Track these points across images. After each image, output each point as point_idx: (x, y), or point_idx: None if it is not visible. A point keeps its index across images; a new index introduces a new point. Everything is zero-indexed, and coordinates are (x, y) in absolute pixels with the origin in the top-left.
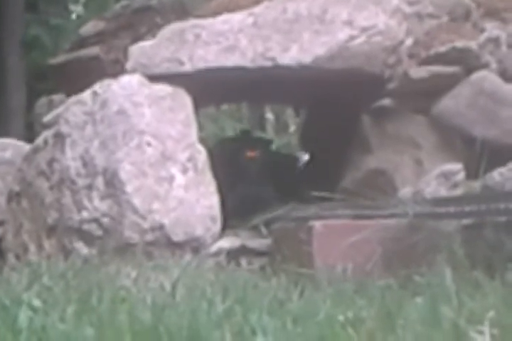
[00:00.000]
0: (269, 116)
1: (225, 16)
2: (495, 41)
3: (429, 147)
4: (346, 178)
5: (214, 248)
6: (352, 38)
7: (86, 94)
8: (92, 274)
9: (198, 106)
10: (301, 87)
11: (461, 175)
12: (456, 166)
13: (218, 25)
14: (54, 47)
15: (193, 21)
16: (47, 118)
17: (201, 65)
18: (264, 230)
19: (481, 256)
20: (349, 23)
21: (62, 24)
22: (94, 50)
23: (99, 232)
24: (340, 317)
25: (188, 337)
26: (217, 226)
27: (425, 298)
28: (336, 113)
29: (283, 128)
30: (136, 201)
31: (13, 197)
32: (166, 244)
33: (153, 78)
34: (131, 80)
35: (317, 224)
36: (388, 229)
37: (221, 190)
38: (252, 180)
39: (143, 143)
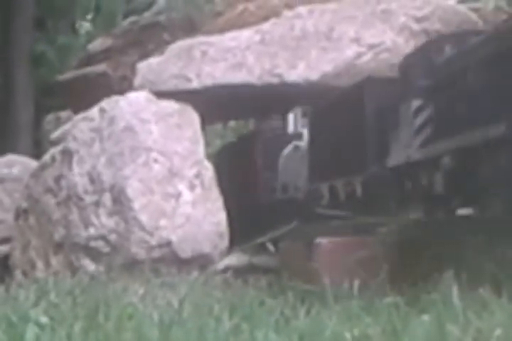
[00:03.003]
0: None
1: (232, 33)
2: None
3: None
4: None
5: (221, 265)
6: (359, 55)
7: (93, 111)
8: (99, 291)
9: (205, 122)
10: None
11: None
12: None
13: (226, 42)
14: (61, 64)
15: (200, 38)
16: (54, 134)
17: (208, 81)
18: (271, 247)
19: (488, 274)
20: (356, 40)
21: (70, 42)
22: (101, 67)
23: (106, 249)
24: (347, 335)
25: None
26: (224, 243)
27: (431, 316)
28: None
29: None
30: (144, 218)
31: (20, 213)
32: (173, 260)
33: (161, 95)
34: (138, 97)
35: (323, 241)
36: (392, 246)
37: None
38: None
39: (150, 159)
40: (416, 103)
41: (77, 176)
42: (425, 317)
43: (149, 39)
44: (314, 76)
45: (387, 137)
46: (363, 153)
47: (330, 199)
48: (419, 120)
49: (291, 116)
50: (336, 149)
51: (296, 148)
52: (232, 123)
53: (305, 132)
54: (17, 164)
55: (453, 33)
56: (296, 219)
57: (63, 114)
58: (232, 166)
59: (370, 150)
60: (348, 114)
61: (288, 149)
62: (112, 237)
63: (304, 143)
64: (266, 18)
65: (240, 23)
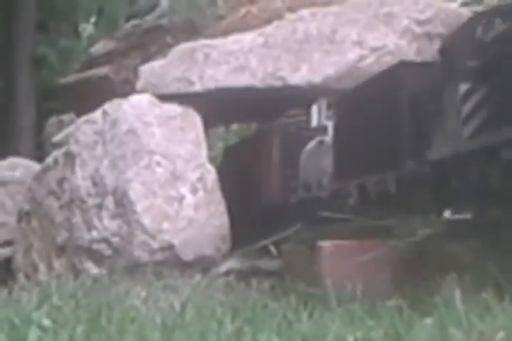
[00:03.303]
0: None
1: (235, 36)
2: None
3: None
4: None
5: (224, 268)
6: (362, 58)
7: (96, 114)
8: (102, 294)
9: (207, 125)
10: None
11: None
12: None
13: (228, 45)
14: (63, 67)
15: (203, 41)
16: (57, 137)
17: (211, 84)
18: (273, 250)
19: (490, 277)
20: (359, 43)
21: (72, 45)
22: (104, 70)
23: (108, 252)
24: (350, 338)
25: None
26: (227, 246)
27: (434, 319)
28: None
29: None
30: (146, 221)
31: (23, 216)
32: (175, 263)
33: (164, 98)
34: (141, 100)
35: (326, 245)
36: (397, 250)
37: None
38: None
39: (153, 162)
40: (464, 87)
41: (80, 179)
42: (428, 321)
43: (152, 42)
44: (317, 79)
45: (427, 127)
46: (398, 146)
47: (359, 199)
48: (469, 106)
49: (314, 109)
50: (365, 143)
51: (320, 143)
52: (234, 126)
53: (330, 125)
54: (19, 167)
55: (502, 6)
56: (319, 220)
57: (66, 117)
58: (247, 165)
59: (407, 142)
60: (379, 103)
61: (311, 145)
62: (115, 240)
63: (328, 137)
64: (269, 21)
65: (243, 26)
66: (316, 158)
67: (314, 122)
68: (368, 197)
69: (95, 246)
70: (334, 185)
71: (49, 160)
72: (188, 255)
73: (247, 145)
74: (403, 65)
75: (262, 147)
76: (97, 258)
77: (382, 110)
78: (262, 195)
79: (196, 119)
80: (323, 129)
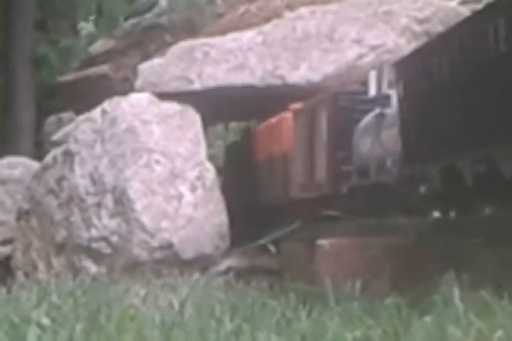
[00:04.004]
0: None
1: (234, 34)
2: None
3: None
4: None
5: (223, 266)
6: (361, 56)
7: (95, 112)
8: (101, 292)
9: (206, 124)
10: None
11: None
12: None
13: (227, 43)
14: (62, 66)
15: (202, 39)
16: (56, 136)
17: (210, 83)
18: (272, 249)
19: (489, 275)
20: (358, 41)
21: (71, 43)
22: (103, 69)
23: (107, 250)
24: (348, 336)
25: None
26: (226, 244)
27: (433, 317)
28: None
29: None
30: (145, 219)
31: (22, 215)
32: (174, 262)
33: (163, 96)
34: (140, 98)
35: (325, 243)
36: (396, 248)
37: None
38: None
39: (152, 161)
40: None
41: (79, 177)
42: (426, 319)
43: (151, 40)
44: (316, 77)
45: None
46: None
47: (446, 186)
48: None
49: (372, 75)
50: (454, 113)
51: (380, 116)
52: (233, 124)
53: (395, 94)
54: (18, 165)
55: None
56: (386, 212)
57: (65, 116)
58: (286, 144)
59: None
60: (467, 59)
61: (367, 119)
62: (114, 239)
63: (392, 109)
64: (267, 20)
65: (242, 24)
66: (374, 136)
67: (372, 91)
68: (461, 182)
69: (94, 245)
70: (405, 169)
71: (48, 158)
72: (187, 253)
73: (281, 125)
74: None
75: (304, 126)
76: (96, 256)
77: (473, 68)
78: (303, 185)
79: (195, 118)
80: (384, 99)
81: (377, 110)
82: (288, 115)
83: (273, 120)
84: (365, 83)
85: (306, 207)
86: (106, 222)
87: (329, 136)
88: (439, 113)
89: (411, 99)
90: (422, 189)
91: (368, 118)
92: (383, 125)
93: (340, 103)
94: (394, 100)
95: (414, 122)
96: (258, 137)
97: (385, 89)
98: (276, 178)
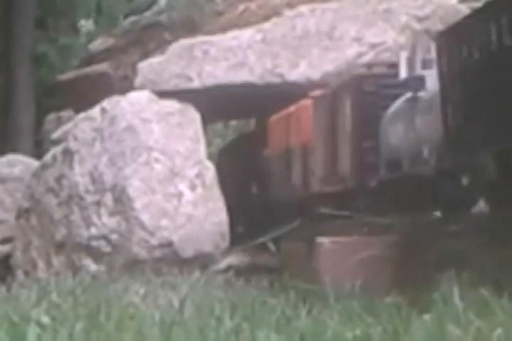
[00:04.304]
0: None
1: (233, 33)
2: None
3: None
4: None
5: (223, 264)
6: (360, 54)
7: (95, 111)
8: (101, 291)
9: (206, 122)
10: None
11: None
12: None
13: (227, 41)
14: (62, 64)
15: (201, 37)
16: (55, 134)
17: (210, 81)
18: (272, 247)
19: (489, 274)
20: (358, 39)
21: (71, 42)
22: (102, 67)
23: (107, 249)
24: (348, 335)
25: None
26: (226, 243)
27: (432, 316)
28: None
29: None
30: (145, 217)
31: (22, 213)
32: (174, 260)
33: (162, 94)
34: (139, 96)
35: (325, 241)
36: (396, 246)
37: None
38: None
39: (151, 159)
40: None
41: (79, 176)
42: (426, 317)
43: (150, 39)
44: (316, 75)
45: None
46: None
47: (501, 177)
48: None
49: (403, 55)
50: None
51: (413, 100)
52: (233, 122)
53: (430, 75)
54: (18, 164)
55: None
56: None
57: (64, 114)
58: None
59: None
60: None
61: (398, 104)
62: (114, 237)
63: (428, 92)
64: (267, 18)
65: (241, 22)
66: (406, 123)
67: (403, 73)
68: None
69: (94, 243)
70: (448, 158)
71: (48, 157)
72: (186, 252)
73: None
74: None
75: (325, 114)
76: (96, 255)
77: None
78: (324, 178)
79: (195, 116)
80: (416, 82)
81: (409, 94)
82: (306, 103)
83: (289, 109)
84: (392, 65)
85: (327, 202)
86: (106, 221)
87: (354, 124)
88: (497, 90)
89: (458, 77)
90: (467, 180)
91: (398, 103)
92: (417, 110)
93: (366, 88)
94: (429, 82)
95: (463, 103)
96: (271, 129)
97: (418, 71)
98: (293, 172)
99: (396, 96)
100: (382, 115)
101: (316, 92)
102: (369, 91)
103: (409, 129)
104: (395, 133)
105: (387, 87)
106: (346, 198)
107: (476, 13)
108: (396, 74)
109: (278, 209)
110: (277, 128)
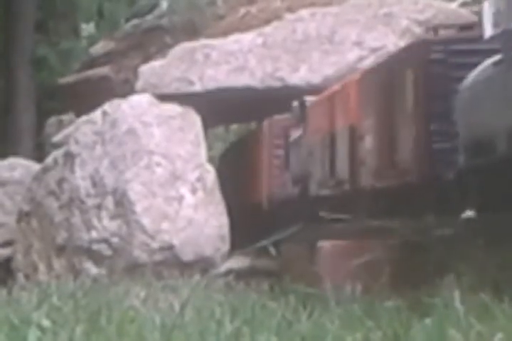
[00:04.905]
0: None
1: (234, 36)
2: None
3: None
4: None
5: (223, 268)
6: (361, 58)
7: (96, 114)
8: (101, 294)
9: (207, 125)
10: None
11: None
12: None
13: (228, 45)
14: (63, 68)
15: (203, 41)
16: (57, 138)
17: (211, 84)
18: (273, 250)
19: (489, 278)
20: (358, 43)
21: (72, 45)
22: (103, 70)
23: (108, 252)
24: (349, 339)
25: None
26: (226, 246)
27: (433, 320)
28: None
29: None
30: (146, 221)
31: (22, 216)
32: (175, 263)
33: (163, 98)
34: (141, 100)
35: (325, 245)
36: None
37: None
38: None
39: (152, 163)
40: None
41: (80, 179)
42: (427, 321)
43: (151, 42)
44: (316, 79)
45: None
46: None
47: None
48: None
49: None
50: None
51: (505, 63)
52: (234, 126)
53: None
54: (19, 167)
55: None
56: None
57: (65, 117)
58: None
59: None
60: None
61: (481, 71)
62: (114, 240)
63: None
64: (268, 22)
65: (242, 26)
66: (495, 96)
67: (488, 33)
68: None
69: (95, 247)
70: None
71: (48, 160)
72: (187, 255)
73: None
74: None
75: (378, 92)
76: (97, 258)
77: None
78: (378, 170)
79: (196, 119)
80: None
81: (498, 56)
82: (352, 80)
83: (330, 89)
84: (466, 27)
85: (381, 201)
86: (106, 224)
87: (418, 102)
88: None
89: None
90: None
91: (482, 68)
92: (504, 83)
93: (434, 55)
94: None
95: None
96: (310, 112)
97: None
98: (337, 163)
99: (471, 66)
100: (457, 88)
101: (365, 67)
102: (438, 59)
103: (502, 100)
104: (478, 110)
105: (460, 53)
106: (409, 194)
107: None
108: (470, 39)
109: (314, 207)
110: (317, 111)
